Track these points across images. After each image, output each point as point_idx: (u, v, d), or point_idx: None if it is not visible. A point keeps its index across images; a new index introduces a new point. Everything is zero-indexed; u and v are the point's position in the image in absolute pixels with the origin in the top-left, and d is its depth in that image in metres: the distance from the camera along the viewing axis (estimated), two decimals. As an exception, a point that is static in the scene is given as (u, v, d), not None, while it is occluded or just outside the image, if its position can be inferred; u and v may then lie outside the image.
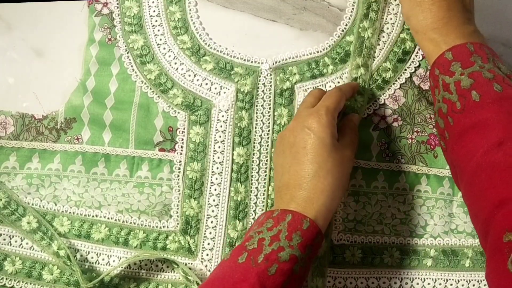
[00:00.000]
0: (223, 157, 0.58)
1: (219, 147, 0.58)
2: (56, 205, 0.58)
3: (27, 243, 0.58)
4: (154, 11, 0.60)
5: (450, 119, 0.46)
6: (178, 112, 0.58)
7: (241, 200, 0.57)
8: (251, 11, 0.60)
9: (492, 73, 0.45)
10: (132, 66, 0.59)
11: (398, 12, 0.59)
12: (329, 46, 0.59)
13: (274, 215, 0.47)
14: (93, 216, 0.58)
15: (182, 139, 0.58)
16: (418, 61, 0.58)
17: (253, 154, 0.58)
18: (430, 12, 0.50)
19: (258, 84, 0.58)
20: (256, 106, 0.58)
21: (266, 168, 0.58)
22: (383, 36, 0.59)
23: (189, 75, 0.59)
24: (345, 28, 0.59)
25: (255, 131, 0.58)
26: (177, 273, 0.57)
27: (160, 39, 0.59)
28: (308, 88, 0.58)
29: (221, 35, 0.60)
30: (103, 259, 0.57)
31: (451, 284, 0.56)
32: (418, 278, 0.56)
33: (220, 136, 0.58)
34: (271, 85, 0.58)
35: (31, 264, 0.57)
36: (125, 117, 0.58)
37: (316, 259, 0.55)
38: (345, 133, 0.52)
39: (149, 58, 0.59)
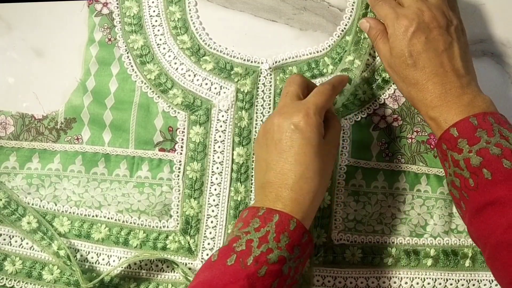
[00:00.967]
0: (223, 157, 0.58)
1: (219, 147, 0.58)
2: (56, 205, 0.58)
3: (27, 243, 0.58)
4: (154, 11, 0.60)
5: (465, 194, 0.47)
6: (178, 112, 0.58)
7: (241, 200, 0.57)
8: (251, 11, 0.60)
9: (499, 147, 0.45)
10: (132, 66, 0.59)
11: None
12: (329, 46, 0.59)
13: (260, 214, 0.46)
14: (93, 216, 0.58)
15: (182, 139, 0.58)
16: (418, 61, 0.58)
17: (253, 154, 0.58)
18: (427, 92, 0.50)
19: (258, 84, 0.58)
20: (256, 106, 0.58)
21: (266, 168, 0.58)
22: (383, 36, 0.59)
23: (189, 75, 0.59)
24: (345, 28, 0.59)
25: (255, 131, 0.58)
26: (177, 273, 0.57)
27: (160, 39, 0.59)
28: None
29: (221, 35, 0.60)
30: (103, 259, 0.57)
31: (451, 284, 0.56)
32: (418, 278, 0.56)
33: (220, 136, 0.58)
34: (271, 85, 0.58)
35: (31, 264, 0.57)
36: (125, 117, 0.59)
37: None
38: (328, 125, 0.51)
39: (149, 58, 0.59)
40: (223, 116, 0.58)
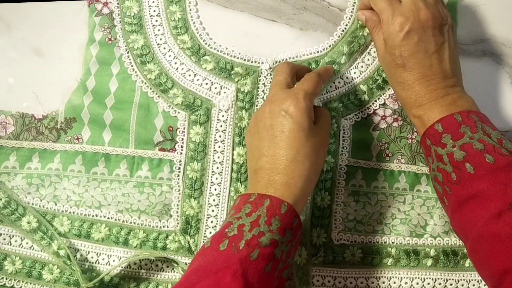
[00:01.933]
0: (223, 156, 0.58)
1: (219, 146, 0.58)
2: (56, 204, 0.58)
3: (27, 243, 0.58)
4: (154, 11, 0.60)
5: (447, 189, 0.48)
6: (178, 112, 0.58)
7: (241, 200, 0.57)
8: (251, 11, 0.61)
9: (482, 143, 0.46)
10: (132, 66, 0.59)
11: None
12: (329, 46, 0.59)
13: (252, 200, 0.46)
14: (93, 215, 0.58)
15: (182, 139, 0.58)
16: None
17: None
18: (413, 91, 0.51)
19: (258, 84, 0.58)
20: (256, 106, 0.58)
21: (266, 168, 0.58)
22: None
23: (189, 75, 0.59)
24: (345, 28, 0.59)
25: (255, 131, 0.58)
26: (177, 272, 0.57)
27: (160, 39, 0.59)
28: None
29: (221, 35, 0.60)
30: (103, 259, 0.57)
31: (451, 284, 0.56)
32: (418, 278, 0.56)
33: (220, 136, 0.58)
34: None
35: (31, 264, 0.57)
36: (125, 117, 0.59)
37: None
38: (318, 113, 0.52)
39: (149, 58, 0.59)
40: (223, 116, 0.58)
